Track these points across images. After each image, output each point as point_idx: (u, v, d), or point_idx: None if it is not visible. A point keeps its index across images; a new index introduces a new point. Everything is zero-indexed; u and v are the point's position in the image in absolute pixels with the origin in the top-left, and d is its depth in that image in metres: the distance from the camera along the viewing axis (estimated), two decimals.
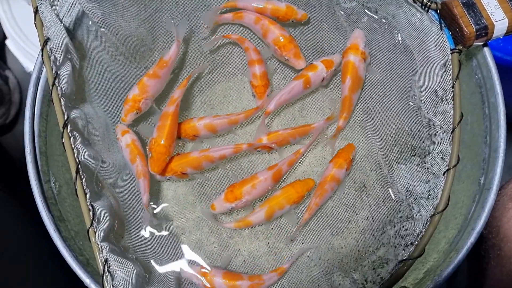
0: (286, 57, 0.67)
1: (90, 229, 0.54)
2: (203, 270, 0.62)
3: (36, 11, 0.60)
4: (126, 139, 0.65)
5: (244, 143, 0.65)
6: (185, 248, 0.66)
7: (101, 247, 0.54)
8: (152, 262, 0.63)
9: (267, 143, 0.66)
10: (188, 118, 0.69)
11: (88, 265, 0.59)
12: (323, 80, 0.67)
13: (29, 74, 0.93)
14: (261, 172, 0.65)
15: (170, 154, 0.64)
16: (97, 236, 0.54)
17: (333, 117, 0.68)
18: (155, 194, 0.68)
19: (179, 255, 0.65)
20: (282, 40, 0.67)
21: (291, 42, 0.67)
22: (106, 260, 0.54)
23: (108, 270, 0.54)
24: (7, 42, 0.92)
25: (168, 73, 0.67)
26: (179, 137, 0.68)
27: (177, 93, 0.66)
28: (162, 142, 0.63)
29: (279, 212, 0.64)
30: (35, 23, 0.60)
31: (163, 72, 0.66)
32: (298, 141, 0.68)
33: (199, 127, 0.66)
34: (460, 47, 0.57)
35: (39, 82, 0.62)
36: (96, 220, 0.55)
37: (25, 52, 0.91)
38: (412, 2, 0.59)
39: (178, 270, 0.63)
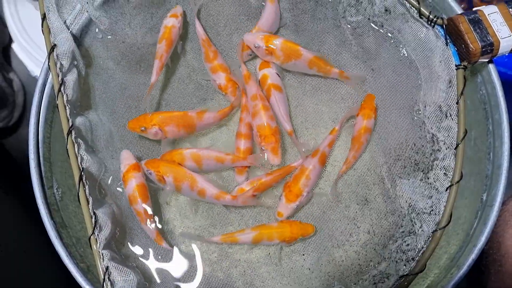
0: (263, 148, 0.66)
1: (91, 237, 0.54)
2: None
3: (43, 18, 0.60)
4: None
5: (227, 195, 0.63)
6: (185, 257, 0.66)
7: (102, 254, 0.54)
8: (153, 270, 0.62)
9: (251, 191, 0.65)
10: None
11: (89, 272, 0.59)
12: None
13: (34, 78, 0.93)
14: (307, 161, 0.66)
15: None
16: (98, 244, 0.54)
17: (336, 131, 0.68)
18: (156, 203, 0.68)
19: (179, 264, 0.65)
20: (266, 130, 0.66)
21: (274, 135, 0.66)
22: (107, 268, 0.54)
23: (108, 278, 0.54)
24: (13, 45, 0.93)
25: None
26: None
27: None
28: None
29: (267, 243, 0.63)
30: (42, 30, 0.60)
31: None
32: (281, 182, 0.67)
33: (186, 155, 0.65)
34: (465, 63, 0.58)
35: (44, 88, 0.62)
36: (98, 228, 0.55)
37: (30, 55, 0.91)
38: (418, 17, 0.60)
39: (178, 277, 0.63)
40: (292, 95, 0.72)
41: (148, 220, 0.62)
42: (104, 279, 0.53)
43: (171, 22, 0.68)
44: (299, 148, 0.67)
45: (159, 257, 0.64)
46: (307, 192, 0.64)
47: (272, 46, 0.66)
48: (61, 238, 0.58)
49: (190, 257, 0.66)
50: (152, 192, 0.65)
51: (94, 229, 0.54)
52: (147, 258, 0.63)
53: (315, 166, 0.65)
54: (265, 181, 0.65)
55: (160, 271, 0.63)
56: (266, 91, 0.69)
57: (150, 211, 0.62)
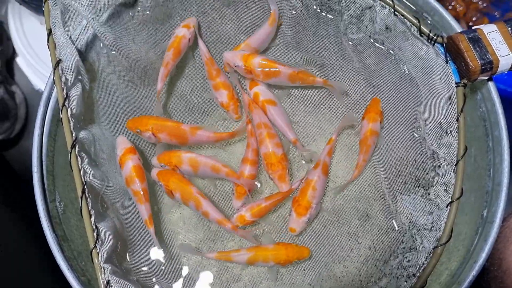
0: (271, 176, 0.67)
1: (93, 250, 0.54)
2: None
3: (49, 33, 0.61)
4: None
5: (229, 223, 0.63)
6: (185, 270, 0.66)
7: (103, 268, 0.54)
8: (154, 284, 0.62)
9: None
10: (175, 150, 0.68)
11: (90, 286, 0.59)
12: None
13: (37, 91, 0.94)
14: (310, 174, 0.66)
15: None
16: (100, 257, 0.54)
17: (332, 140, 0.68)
18: (158, 216, 0.68)
19: (180, 277, 0.65)
20: (272, 158, 0.66)
21: (281, 162, 0.66)
22: (108, 282, 0.54)
23: None
24: (17, 59, 0.94)
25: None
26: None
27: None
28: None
29: (262, 264, 0.63)
30: (48, 45, 0.61)
31: None
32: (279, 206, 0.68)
33: (183, 158, 0.66)
34: (465, 81, 0.58)
35: (49, 102, 0.63)
36: (100, 241, 0.55)
37: (34, 69, 0.92)
38: (418, 35, 0.60)
39: None
40: (294, 111, 0.73)
41: (144, 200, 0.63)
42: None
43: (182, 32, 0.68)
44: (305, 155, 0.69)
45: (160, 271, 0.64)
46: (315, 203, 0.65)
47: (250, 65, 0.67)
48: (62, 251, 0.58)
49: (190, 270, 0.65)
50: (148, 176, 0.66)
51: (96, 242, 0.54)
52: (148, 272, 0.63)
53: (320, 176, 0.66)
54: (265, 206, 0.65)
55: (161, 285, 0.63)
56: (261, 108, 0.70)
57: (147, 191, 0.63)
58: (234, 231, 0.64)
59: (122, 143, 0.65)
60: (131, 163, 0.63)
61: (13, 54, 0.96)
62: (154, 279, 0.63)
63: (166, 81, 0.69)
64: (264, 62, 0.67)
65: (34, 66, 0.92)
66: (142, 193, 0.63)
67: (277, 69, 0.67)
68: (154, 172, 0.66)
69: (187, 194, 0.63)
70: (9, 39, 0.95)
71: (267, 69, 0.67)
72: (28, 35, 0.93)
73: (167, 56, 0.68)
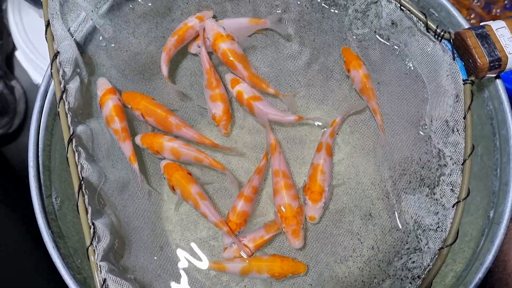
0: (284, 230, 0.63)
1: (89, 248, 0.53)
2: None
3: (47, 25, 0.60)
4: None
5: (225, 226, 0.62)
6: (183, 269, 0.64)
7: (99, 266, 0.53)
8: (151, 283, 0.61)
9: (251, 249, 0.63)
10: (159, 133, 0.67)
11: (86, 284, 0.58)
12: None
13: (36, 86, 0.93)
14: (315, 157, 0.66)
15: None
16: (96, 255, 0.53)
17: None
18: (157, 214, 0.67)
19: (177, 276, 0.64)
20: (287, 211, 0.62)
21: (296, 217, 0.62)
22: (105, 280, 0.53)
23: None
24: (17, 53, 0.93)
25: None
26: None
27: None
28: None
29: (255, 275, 0.62)
30: (46, 37, 0.60)
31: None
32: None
33: (165, 147, 0.65)
34: (472, 78, 0.57)
35: (46, 95, 0.62)
36: (96, 239, 0.54)
37: (33, 64, 0.91)
38: (425, 31, 0.59)
39: None
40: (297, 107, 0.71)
41: (126, 138, 0.63)
42: None
43: (192, 22, 0.68)
44: (317, 124, 0.69)
45: (158, 270, 0.63)
46: (327, 186, 0.64)
47: (216, 46, 0.66)
48: (58, 248, 0.57)
49: (188, 269, 0.64)
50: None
51: (92, 240, 0.53)
52: (145, 270, 0.62)
53: (325, 159, 0.65)
54: (268, 239, 0.64)
55: (158, 284, 0.62)
56: (247, 106, 0.68)
57: (127, 130, 0.64)
58: (229, 236, 0.62)
59: (103, 84, 0.65)
60: (111, 103, 0.63)
61: (13, 48, 0.96)
62: (151, 278, 0.62)
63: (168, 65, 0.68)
64: (227, 52, 0.66)
65: (33, 60, 0.91)
66: (122, 131, 0.63)
67: (235, 65, 0.67)
68: (162, 164, 0.65)
69: (187, 193, 0.63)
70: (9, 34, 0.94)
71: (225, 59, 0.67)
72: (27, 29, 0.93)
73: (169, 42, 0.67)
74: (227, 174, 0.65)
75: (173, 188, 0.64)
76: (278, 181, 0.64)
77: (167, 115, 0.65)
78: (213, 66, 0.69)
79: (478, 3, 0.84)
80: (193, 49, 0.70)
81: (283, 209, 0.62)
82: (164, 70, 0.67)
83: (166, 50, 0.67)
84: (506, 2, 0.84)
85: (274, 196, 0.64)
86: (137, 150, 0.66)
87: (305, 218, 0.64)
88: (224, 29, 0.67)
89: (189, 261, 0.65)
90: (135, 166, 0.63)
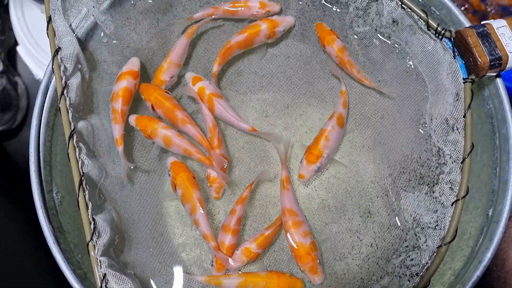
0: (301, 269, 0.61)
1: (90, 243, 0.54)
2: None
3: (49, 20, 0.60)
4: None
5: (213, 241, 0.60)
6: (184, 265, 0.65)
7: (100, 261, 0.53)
8: (151, 279, 0.61)
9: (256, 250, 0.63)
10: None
11: (86, 279, 0.58)
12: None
13: (38, 81, 0.93)
14: (326, 124, 0.66)
15: None
16: (96, 250, 0.54)
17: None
18: (157, 209, 0.67)
19: (178, 272, 0.64)
20: (300, 250, 0.61)
21: (310, 254, 0.60)
22: (105, 275, 0.53)
23: (106, 286, 0.53)
24: (18, 48, 0.93)
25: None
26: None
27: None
28: None
29: None
30: (47, 32, 0.60)
31: None
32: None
33: (159, 133, 0.64)
34: (473, 76, 0.57)
35: (47, 90, 0.62)
36: (97, 234, 0.54)
37: (35, 59, 0.91)
38: (426, 30, 0.59)
39: (176, 287, 0.62)
40: (297, 104, 0.71)
41: (121, 120, 0.63)
42: (101, 286, 0.52)
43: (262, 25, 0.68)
44: (271, 139, 0.68)
45: (158, 266, 0.63)
46: (327, 153, 0.64)
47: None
48: (58, 243, 0.57)
49: (188, 265, 0.65)
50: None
51: (92, 235, 0.54)
52: (145, 266, 0.62)
53: (334, 126, 0.65)
54: (268, 235, 0.63)
55: (158, 280, 0.62)
56: (208, 102, 0.67)
57: (125, 114, 0.64)
58: (215, 251, 0.61)
59: (132, 64, 0.65)
60: (124, 83, 0.63)
61: (15, 43, 0.96)
62: (151, 274, 0.62)
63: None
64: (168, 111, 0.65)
65: (35, 56, 0.91)
66: (120, 113, 0.63)
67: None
68: (169, 161, 0.64)
69: (188, 196, 0.61)
70: (10, 29, 0.94)
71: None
72: (29, 24, 0.93)
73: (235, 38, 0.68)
74: (216, 170, 0.64)
75: (175, 187, 0.63)
76: (287, 220, 0.62)
77: (174, 108, 0.64)
78: (217, 125, 0.67)
79: None
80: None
81: (296, 249, 0.61)
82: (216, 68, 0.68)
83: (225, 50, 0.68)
84: None
85: (286, 235, 0.63)
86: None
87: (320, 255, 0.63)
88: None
89: (189, 257, 0.65)
90: (120, 148, 0.63)
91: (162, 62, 0.67)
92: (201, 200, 0.62)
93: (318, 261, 0.61)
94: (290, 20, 0.69)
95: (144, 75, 0.69)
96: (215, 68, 0.68)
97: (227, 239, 0.62)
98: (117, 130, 0.63)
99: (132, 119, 0.65)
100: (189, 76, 0.68)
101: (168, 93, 0.66)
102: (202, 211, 0.61)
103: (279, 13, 0.70)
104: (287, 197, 0.64)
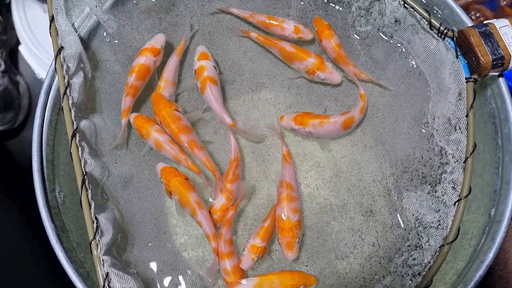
0: (280, 241, 0.62)
1: (92, 242, 0.54)
2: None
3: (52, 20, 0.60)
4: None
5: (215, 242, 0.61)
6: (186, 264, 0.65)
7: (102, 260, 0.53)
8: (153, 278, 0.62)
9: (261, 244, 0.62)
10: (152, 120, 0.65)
11: (89, 278, 0.58)
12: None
13: (39, 81, 0.93)
14: (334, 115, 0.66)
15: None
16: (99, 249, 0.54)
17: None
18: (159, 208, 0.67)
19: (180, 271, 0.64)
20: (285, 223, 0.61)
21: (292, 230, 0.61)
22: (107, 274, 0.53)
23: (108, 285, 0.53)
24: (20, 47, 0.93)
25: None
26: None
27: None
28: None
29: None
30: (50, 32, 0.60)
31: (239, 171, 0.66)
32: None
33: (152, 136, 0.63)
34: (475, 76, 0.57)
35: (50, 90, 0.62)
36: (99, 233, 0.54)
37: (37, 58, 0.91)
38: (428, 29, 0.59)
39: (178, 286, 0.62)
40: (299, 103, 0.71)
41: (130, 95, 0.64)
42: (103, 285, 0.52)
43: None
44: (248, 137, 0.68)
45: (160, 265, 0.63)
46: (308, 131, 0.66)
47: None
48: (61, 242, 0.57)
49: (191, 264, 0.65)
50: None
51: (95, 234, 0.54)
52: (148, 265, 0.62)
53: (336, 122, 0.65)
54: (268, 226, 0.63)
55: (161, 279, 0.62)
56: (202, 83, 0.66)
57: (137, 89, 0.65)
58: (214, 253, 0.61)
59: (156, 41, 0.66)
60: (143, 60, 0.64)
61: (17, 43, 0.96)
62: (153, 272, 0.62)
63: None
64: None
65: (37, 55, 0.91)
66: (131, 87, 0.64)
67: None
68: (158, 167, 0.64)
69: (185, 201, 0.61)
70: (12, 28, 0.94)
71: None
72: (31, 24, 0.93)
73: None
74: (202, 177, 0.64)
75: (170, 193, 0.63)
76: (282, 192, 0.63)
77: (179, 132, 0.63)
78: (240, 159, 0.66)
79: None
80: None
81: (281, 221, 0.62)
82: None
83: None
84: None
85: (276, 206, 0.63)
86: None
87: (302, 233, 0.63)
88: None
89: (191, 256, 0.66)
90: (124, 120, 0.64)
91: (159, 82, 0.68)
92: (199, 202, 0.61)
93: (297, 240, 0.61)
94: (336, 77, 0.68)
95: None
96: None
97: (227, 264, 0.61)
98: (125, 103, 0.64)
99: (132, 116, 0.65)
100: (199, 49, 0.69)
101: (178, 111, 0.64)
102: (203, 212, 0.61)
103: (311, 42, 0.70)
104: (288, 171, 0.65)
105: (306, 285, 0.61)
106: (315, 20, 0.69)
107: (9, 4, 0.94)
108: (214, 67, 0.68)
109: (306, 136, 0.68)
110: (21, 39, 0.93)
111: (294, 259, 0.62)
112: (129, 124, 0.65)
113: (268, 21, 0.69)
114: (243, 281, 0.59)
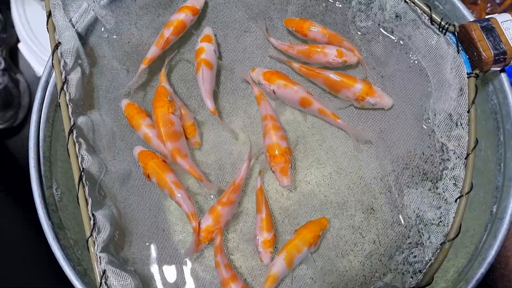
0: (273, 169, 0.63)
1: (89, 239, 0.53)
2: None
3: (49, 15, 0.60)
4: None
5: (195, 221, 0.60)
6: (184, 262, 0.64)
7: (99, 257, 0.53)
8: (151, 275, 0.61)
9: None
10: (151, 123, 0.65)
11: (86, 275, 0.58)
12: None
13: (39, 79, 0.93)
14: (299, 86, 0.67)
15: None
16: (96, 246, 0.53)
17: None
18: (157, 206, 0.67)
19: (178, 269, 0.63)
20: (275, 149, 0.63)
21: (284, 155, 0.63)
22: (104, 272, 0.53)
23: (105, 282, 0.52)
24: (20, 46, 0.93)
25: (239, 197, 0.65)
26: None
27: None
28: None
29: (299, 257, 0.60)
30: (47, 27, 0.60)
31: (235, 197, 0.64)
32: None
33: (141, 130, 0.64)
34: (477, 71, 0.56)
35: (47, 86, 0.62)
36: (96, 230, 0.54)
37: (37, 56, 0.91)
38: (429, 24, 0.58)
39: (176, 283, 0.62)
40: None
41: (160, 45, 0.66)
42: (100, 283, 0.52)
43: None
44: (224, 127, 0.69)
45: (158, 262, 0.63)
46: (272, 88, 0.67)
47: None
48: (58, 239, 0.57)
49: (189, 263, 0.64)
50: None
51: (92, 231, 0.53)
52: (145, 262, 0.62)
53: (297, 91, 0.66)
54: (266, 214, 0.63)
55: (158, 276, 0.61)
56: (197, 64, 0.67)
57: (168, 43, 0.67)
58: (194, 233, 0.60)
59: (196, 1, 0.68)
60: (182, 16, 0.66)
61: (16, 41, 0.96)
62: (152, 270, 0.62)
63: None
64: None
65: (36, 53, 0.91)
66: (165, 40, 0.66)
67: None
68: (135, 151, 0.64)
69: (163, 182, 0.61)
70: (12, 26, 0.94)
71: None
72: (31, 22, 0.93)
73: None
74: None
75: (148, 176, 0.63)
76: (267, 123, 0.66)
77: (167, 139, 0.62)
78: (240, 187, 0.64)
79: None
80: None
81: (272, 148, 0.63)
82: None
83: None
84: None
85: (264, 138, 0.65)
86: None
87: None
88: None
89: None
90: (142, 66, 0.65)
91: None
92: (176, 182, 0.61)
93: (290, 165, 0.63)
94: (386, 101, 0.65)
95: (147, 76, 0.70)
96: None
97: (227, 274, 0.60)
98: (152, 51, 0.66)
99: (125, 102, 0.65)
100: (205, 31, 0.70)
101: (174, 114, 0.64)
102: (180, 191, 0.61)
103: (356, 65, 0.69)
104: (265, 106, 0.68)
105: (323, 229, 0.63)
106: (286, 22, 0.69)
107: (8, 2, 0.93)
108: (214, 51, 0.68)
109: (269, 94, 0.69)
110: (20, 37, 0.93)
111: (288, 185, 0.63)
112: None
113: (309, 50, 0.67)
114: (274, 269, 0.60)
